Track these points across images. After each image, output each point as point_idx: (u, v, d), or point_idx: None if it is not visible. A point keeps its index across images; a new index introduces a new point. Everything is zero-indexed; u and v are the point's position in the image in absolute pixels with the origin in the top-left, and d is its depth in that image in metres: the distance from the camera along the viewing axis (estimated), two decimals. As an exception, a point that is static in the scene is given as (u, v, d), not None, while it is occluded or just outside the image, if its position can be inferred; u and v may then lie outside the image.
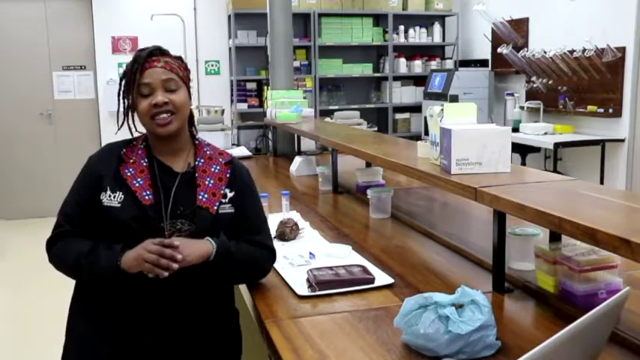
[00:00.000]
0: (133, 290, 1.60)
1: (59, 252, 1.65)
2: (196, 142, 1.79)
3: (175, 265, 1.53)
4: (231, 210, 1.70)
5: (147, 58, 1.66)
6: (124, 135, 1.76)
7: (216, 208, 1.68)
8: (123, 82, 1.70)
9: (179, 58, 1.73)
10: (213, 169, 1.73)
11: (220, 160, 1.77)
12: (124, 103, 1.71)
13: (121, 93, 1.71)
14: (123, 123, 1.71)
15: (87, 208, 1.65)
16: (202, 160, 1.74)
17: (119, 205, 1.62)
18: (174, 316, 1.63)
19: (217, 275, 1.67)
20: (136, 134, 1.77)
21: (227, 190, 1.72)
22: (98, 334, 1.63)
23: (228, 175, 1.74)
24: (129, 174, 1.65)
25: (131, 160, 1.68)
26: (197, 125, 1.86)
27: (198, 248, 1.60)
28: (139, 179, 1.65)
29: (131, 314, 1.61)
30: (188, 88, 1.72)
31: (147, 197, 1.63)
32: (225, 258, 1.63)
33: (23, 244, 5.90)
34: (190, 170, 1.71)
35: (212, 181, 1.71)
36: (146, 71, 1.64)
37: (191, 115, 1.79)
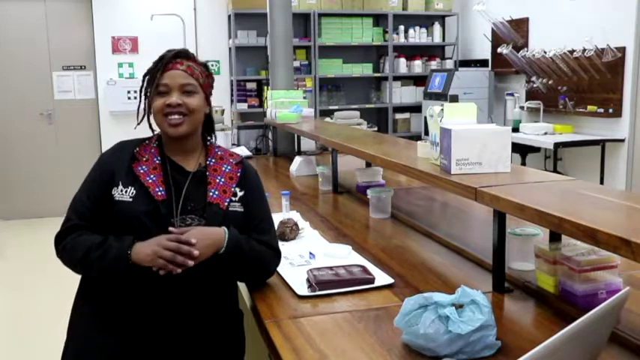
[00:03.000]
0: (139, 289, 1.60)
1: (68, 246, 1.65)
2: (208, 143, 1.82)
3: (191, 262, 1.55)
4: (240, 209, 1.73)
5: (171, 59, 1.70)
6: (140, 130, 1.79)
7: (226, 204, 1.70)
8: (145, 80, 1.73)
9: (203, 65, 1.77)
10: (224, 169, 1.76)
11: (231, 160, 1.80)
12: (144, 100, 1.74)
13: (142, 90, 1.74)
14: (142, 119, 1.76)
15: (98, 203, 1.66)
16: (214, 160, 1.77)
17: (131, 199, 1.64)
18: (178, 316, 1.63)
19: (224, 267, 1.67)
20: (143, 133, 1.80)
21: (237, 189, 1.74)
22: (101, 334, 1.63)
23: (238, 175, 1.77)
24: (142, 171, 1.68)
25: (144, 158, 1.71)
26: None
27: (211, 243, 1.61)
28: (151, 176, 1.68)
29: (135, 314, 1.61)
30: (207, 94, 1.76)
31: (160, 193, 1.65)
32: (235, 251, 1.65)
33: (23, 244, 5.90)
34: (202, 169, 1.75)
35: (223, 180, 1.74)
36: (167, 72, 1.69)
37: (210, 121, 1.84)
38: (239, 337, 1.81)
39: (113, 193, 1.65)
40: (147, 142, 1.77)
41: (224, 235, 1.64)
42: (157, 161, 1.71)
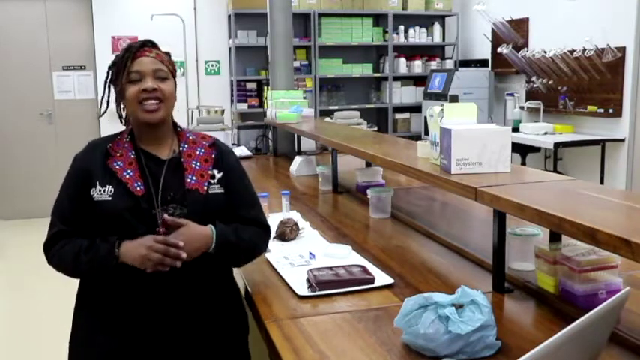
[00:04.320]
0: (135, 280, 1.60)
1: (58, 253, 1.66)
2: (178, 129, 1.81)
3: (179, 264, 1.56)
4: (220, 190, 1.73)
5: (139, 48, 1.70)
6: (108, 120, 1.78)
7: (205, 188, 1.70)
8: (112, 71, 1.73)
9: (168, 54, 1.78)
10: (198, 153, 1.76)
11: (204, 143, 1.79)
12: (112, 89, 1.74)
13: (108, 81, 1.74)
14: (106, 110, 1.77)
15: (78, 205, 1.66)
16: (187, 146, 1.76)
17: (110, 198, 1.63)
18: (178, 301, 1.63)
19: (216, 262, 1.70)
20: (119, 128, 1.80)
21: (215, 172, 1.74)
22: (102, 322, 1.64)
23: (213, 157, 1.77)
24: (117, 167, 1.67)
25: (118, 154, 1.70)
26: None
27: (200, 245, 1.62)
28: (128, 171, 1.67)
29: (135, 304, 1.62)
30: (175, 81, 1.76)
31: (138, 188, 1.64)
32: (224, 247, 1.66)
33: (23, 244, 5.89)
34: (176, 156, 1.74)
35: (198, 164, 1.73)
36: (137, 59, 1.68)
37: None
38: (240, 312, 1.81)
39: (92, 194, 1.64)
40: (119, 137, 1.76)
41: (211, 233, 1.65)
42: (132, 155, 1.70)
